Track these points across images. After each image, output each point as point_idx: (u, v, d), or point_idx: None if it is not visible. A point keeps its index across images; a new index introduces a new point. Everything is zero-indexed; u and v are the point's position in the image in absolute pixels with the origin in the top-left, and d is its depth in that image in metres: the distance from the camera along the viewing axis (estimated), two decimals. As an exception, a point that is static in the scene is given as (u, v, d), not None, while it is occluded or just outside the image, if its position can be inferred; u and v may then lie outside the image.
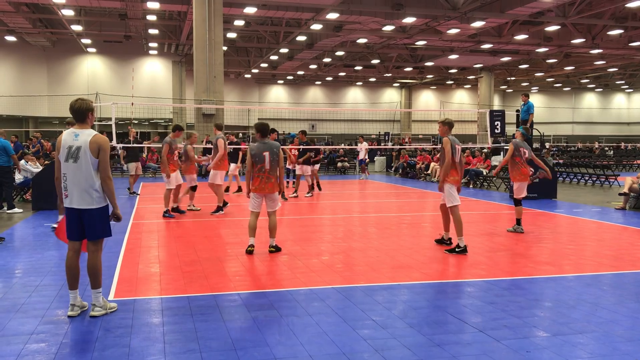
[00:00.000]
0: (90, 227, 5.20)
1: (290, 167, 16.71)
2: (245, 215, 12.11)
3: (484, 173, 19.71)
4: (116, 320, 5.08)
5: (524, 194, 10.09)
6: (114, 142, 14.90)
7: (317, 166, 16.96)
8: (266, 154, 7.84)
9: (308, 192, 16.08)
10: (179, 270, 7.00)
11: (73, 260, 5.26)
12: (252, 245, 7.96)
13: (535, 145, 19.96)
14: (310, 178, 16.31)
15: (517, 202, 10.05)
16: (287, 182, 17.35)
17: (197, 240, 8.98)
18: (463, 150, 22.34)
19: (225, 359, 4.25)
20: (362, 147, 24.09)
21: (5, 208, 12.20)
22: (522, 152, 10.04)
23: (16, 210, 12.18)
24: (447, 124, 8.35)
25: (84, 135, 5.16)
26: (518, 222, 9.96)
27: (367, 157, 24.57)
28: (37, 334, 4.74)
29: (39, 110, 38.68)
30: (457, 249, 8.10)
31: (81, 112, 5.22)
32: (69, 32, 31.93)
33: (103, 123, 24.88)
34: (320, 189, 17.07)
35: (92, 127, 5.39)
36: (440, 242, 8.71)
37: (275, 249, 8.00)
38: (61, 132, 5.54)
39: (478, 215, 12.51)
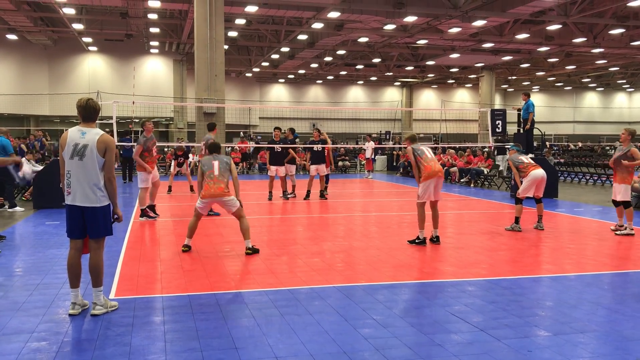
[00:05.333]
0: (92, 225, 5.20)
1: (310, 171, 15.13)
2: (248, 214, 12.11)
3: (485, 172, 19.70)
4: (117, 319, 5.08)
5: (531, 194, 10.05)
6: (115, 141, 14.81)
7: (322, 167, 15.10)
8: (215, 162, 7.95)
9: (291, 193, 15.00)
10: (180, 268, 7.00)
11: (74, 258, 5.26)
12: (186, 245, 8.05)
13: (536, 144, 19.93)
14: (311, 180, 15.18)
15: (518, 201, 10.07)
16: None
17: (198, 238, 8.98)
18: (464, 149, 22.52)
19: (226, 357, 4.25)
20: (369, 146, 24.28)
21: (7, 207, 12.20)
22: (522, 159, 10.28)
23: (17, 208, 12.18)
24: (408, 139, 9.08)
25: (91, 134, 5.17)
26: (516, 220, 9.98)
27: (373, 155, 24.72)
28: (38, 333, 4.74)
29: (40, 109, 38.67)
30: (416, 240, 8.63)
31: (91, 111, 5.25)
32: (70, 31, 31.90)
33: (104, 122, 24.85)
34: (324, 195, 15.09)
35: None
36: (432, 240, 8.74)
37: (252, 251, 7.81)
38: (62, 130, 5.55)
39: (479, 214, 12.50)
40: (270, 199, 14.43)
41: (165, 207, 13.01)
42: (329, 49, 34.94)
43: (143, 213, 11.10)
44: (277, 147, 14.52)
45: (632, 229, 9.64)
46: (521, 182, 10.07)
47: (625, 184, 9.64)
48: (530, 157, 10.81)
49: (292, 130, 15.48)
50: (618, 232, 9.67)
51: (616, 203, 9.86)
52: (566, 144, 44.77)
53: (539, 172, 9.98)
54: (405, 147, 9.67)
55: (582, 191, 17.63)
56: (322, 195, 14.96)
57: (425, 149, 8.79)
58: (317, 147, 14.97)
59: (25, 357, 4.24)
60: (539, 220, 10.20)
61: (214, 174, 7.87)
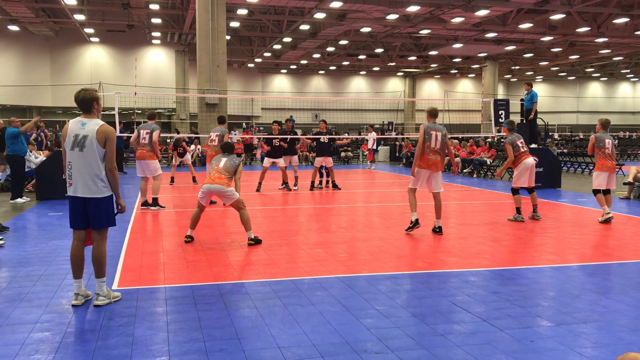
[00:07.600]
0: (95, 216, 5.21)
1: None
2: (250, 205, 12.12)
3: (488, 162, 19.66)
4: (120, 310, 5.10)
5: (525, 184, 10.08)
6: (117, 132, 14.81)
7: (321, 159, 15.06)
8: (224, 159, 8.14)
9: (294, 185, 14.98)
10: (183, 259, 7.01)
11: (78, 249, 5.27)
12: (188, 236, 8.10)
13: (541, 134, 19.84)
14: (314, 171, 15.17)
15: (515, 191, 10.14)
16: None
17: (201, 229, 8.98)
18: (466, 139, 22.40)
19: (228, 347, 4.26)
20: (371, 137, 24.26)
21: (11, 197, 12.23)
22: (519, 144, 10.17)
23: (18, 200, 12.19)
24: (428, 112, 8.85)
25: (91, 125, 5.17)
26: (518, 210, 10.01)
27: (375, 146, 24.70)
28: (41, 323, 4.75)
29: (42, 100, 38.68)
30: (410, 225, 8.73)
31: (86, 102, 5.23)
32: (72, 22, 31.84)
33: (106, 113, 24.86)
34: (337, 186, 15.20)
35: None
36: (434, 230, 8.77)
37: (255, 242, 7.87)
38: (65, 121, 5.55)
39: (482, 204, 12.48)
40: (258, 190, 14.36)
41: (167, 199, 13.03)
42: (331, 39, 34.81)
43: (155, 202, 11.19)
44: (275, 141, 14.49)
45: (603, 216, 9.92)
46: (510, 169, 10.18)
47: (596, 172, 10.17)
48: (533, 146, 10.79)
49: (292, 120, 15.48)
50: (601, 219, 9.93)
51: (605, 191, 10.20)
52: (569, 133, 44.68)
53: (530, 160, 10.13)
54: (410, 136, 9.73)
55: (585, 181, 17.58)
56: (335, 186, 15.04)
57: (434, 135, 8.55)
58: (324, 138, 15.00)
59: (28, 347, 4.25)
60: (535, 210, 10.24)
61: (218, 166, 8.05)
